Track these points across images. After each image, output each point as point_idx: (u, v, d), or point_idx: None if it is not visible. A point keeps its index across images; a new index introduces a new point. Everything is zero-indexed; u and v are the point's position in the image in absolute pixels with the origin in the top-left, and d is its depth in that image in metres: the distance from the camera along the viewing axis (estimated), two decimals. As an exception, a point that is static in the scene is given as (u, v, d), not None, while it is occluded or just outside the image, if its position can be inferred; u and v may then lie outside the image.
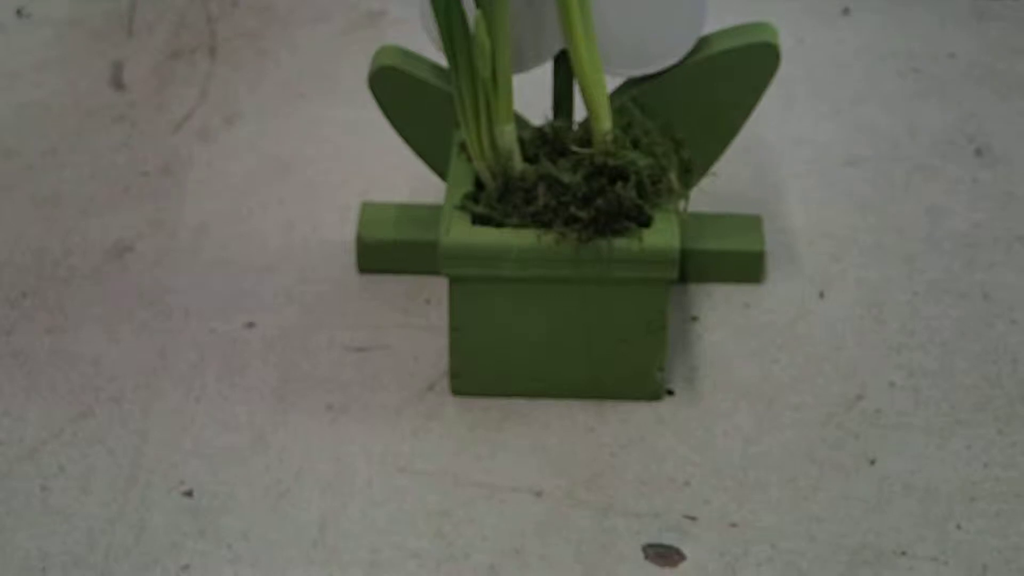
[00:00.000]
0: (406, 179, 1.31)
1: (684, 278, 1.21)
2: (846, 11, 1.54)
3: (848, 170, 1.35)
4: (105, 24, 1.51)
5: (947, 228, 1.29)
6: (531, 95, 1.19)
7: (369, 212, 1.24)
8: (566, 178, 1.09)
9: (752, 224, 1.24)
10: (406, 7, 1.52)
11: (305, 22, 1.52)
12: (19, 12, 1.52)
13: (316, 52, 1.48)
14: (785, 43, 1.19)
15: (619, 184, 1.08)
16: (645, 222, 1.09)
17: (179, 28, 1.50)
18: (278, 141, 1.38)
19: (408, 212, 1.24)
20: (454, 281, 1.10)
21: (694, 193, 1.17)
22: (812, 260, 1.26)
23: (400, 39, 1.39)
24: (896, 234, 1.28)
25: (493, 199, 1.11)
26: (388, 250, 1.22)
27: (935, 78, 1.45)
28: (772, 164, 1.35)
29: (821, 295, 1.22)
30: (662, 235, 1.08)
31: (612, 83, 1.16)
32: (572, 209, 1.08)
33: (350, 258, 1.25)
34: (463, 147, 1.14)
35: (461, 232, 1.09)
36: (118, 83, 1.43)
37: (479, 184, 1.12)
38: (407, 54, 1.18)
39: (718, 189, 1.24)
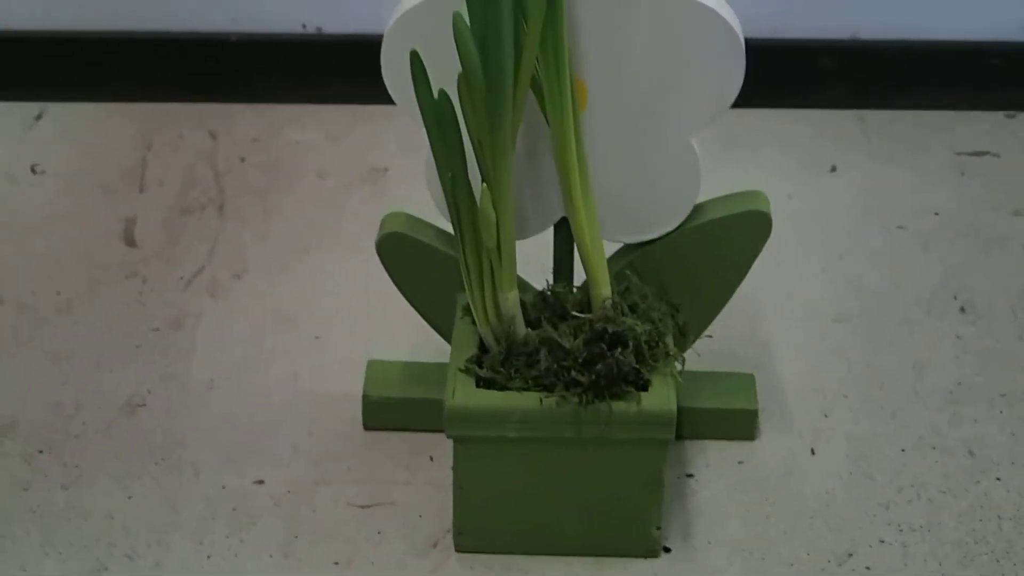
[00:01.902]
0: (409, 332, 1.34)
1: (680, 435, 1.25)
2: (833, 168, 1.58)
3: (836, 325, 1.39)
4: (117, 180, 1.55)
5: (932, 383, 1.32)
6: (532, 254, 1.22)
7: (374, 370, 1.28)
8: (567, 343, 1.12)
9: (745, 382, 1.28)
10: (406, 164, 1.56)
11: (309, 178, 1.56)
12: (33, 168, 1.56)
13: (320, 207, 1.52)
14: (775, 199, 1.23)
15: (618, 349, 1.12)
16: (643, 386, 1.13)
17: (189, 184, 1.54)
18: (284, 295, 1.41)
19: (412, 370, 1.28)
20: (458, 441, 1.13)
21: (689, 352, 1.21)
22: (803, 416, 1.29)
23: (401, 194, 1.43)
24: (883, 389, 1.32)
25: (497, 362, 1.14)
26: (393, 408, 1.26)
27: (919, 234, 1.49)
28: (763, 319, 1.39)
29: (812, 451, 1.26)
30: (659, 399, 1.12)
31: (609, 247, 1.19)
32: (573, 373, 1.12)
33: (356, 412, 1.28)
34: (467, 310, 1.17)
35: (466, 395, 1.12)
36: (130, 239, 1.47)
37: (483, 347, 1.16)
38: (413, 220, 1.22)
39: (711, 345, 1.28)
